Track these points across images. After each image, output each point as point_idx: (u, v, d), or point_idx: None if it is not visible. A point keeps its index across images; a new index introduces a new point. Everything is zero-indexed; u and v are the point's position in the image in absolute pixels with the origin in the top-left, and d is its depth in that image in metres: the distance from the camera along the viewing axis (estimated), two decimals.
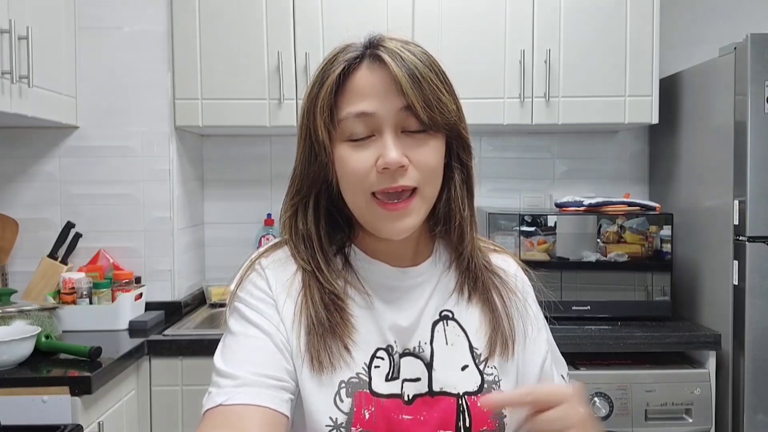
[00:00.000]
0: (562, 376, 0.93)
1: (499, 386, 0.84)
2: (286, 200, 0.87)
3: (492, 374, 0.84)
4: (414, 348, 0.84)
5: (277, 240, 0.90)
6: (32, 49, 1.82)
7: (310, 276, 0.83)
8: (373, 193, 0.79)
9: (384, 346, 0.83)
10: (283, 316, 0.82)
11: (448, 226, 0.86)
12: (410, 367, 0.83)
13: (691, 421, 1.96)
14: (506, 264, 0.94)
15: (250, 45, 2.25)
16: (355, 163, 0.79)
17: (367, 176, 0.78)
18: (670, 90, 2.40)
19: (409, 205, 0.79)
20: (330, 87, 0.79)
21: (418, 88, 0.77)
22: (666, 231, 2.17)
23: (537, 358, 0.88)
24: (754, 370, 1.95)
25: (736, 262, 2.00)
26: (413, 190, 0.79)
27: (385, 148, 0.77)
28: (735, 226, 2.00)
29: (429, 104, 0.77)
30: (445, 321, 0.86)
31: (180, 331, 2.07)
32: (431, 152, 0.80)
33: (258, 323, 0.80)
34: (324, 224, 0.85)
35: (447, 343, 0.85)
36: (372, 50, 0.80)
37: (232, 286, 0.86)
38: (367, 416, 0.79)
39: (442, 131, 0.81)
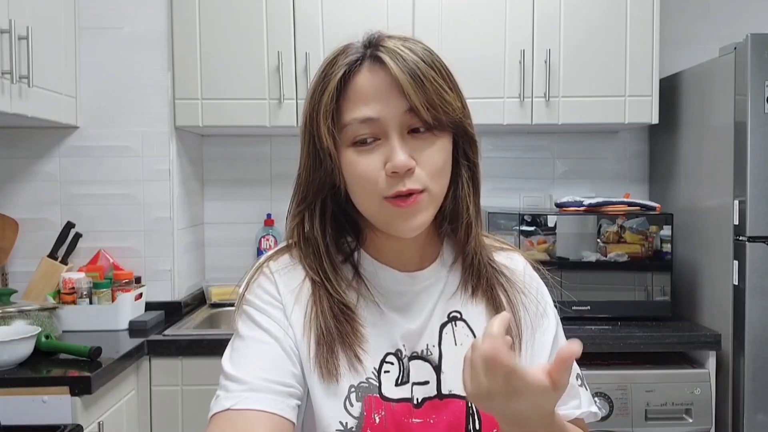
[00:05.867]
0: (578, 375, 0.91)
1: None
2: (291, 207, 0.86)
3: None
4: (422, 351, 0.83)
5: (284, 243, 0.89)
6: (32, 49, 1.82)
7: (318, 286, 0.83)
8: (385, 197, 0.78)
9: (393, 351, 0.82)
10: (291, 322, 0.81)
11: (455, 224, 0.85)
12: (419, 370, 0.82)
13: (691, 421, 1.96)
14: (512, 262, 0.93)
15: (250, 45, 2.25)
16: (363, 169, 0.78)
17: (377, 181, 0.77)
18: (670, 90, 2.40)
19: (419, 200, 0.78)
20: (332, 92, 0.78)
21: (421, 89, 0.76)
22: (666, 231, 2.17)
23: (544, 353, 0.87)
24: (754, 370, 1.95)
25: (736, 262, 2.00)
26: (421, 191, 0.78)
27: (393, 151, 0.76)
28: (735, 226, 2.00)
29: (432, 104, 0.76)
30: (453, 322, 0.85)
31: (180, 331, 2.07)
32: (438, 152, 0.79)
33: (266, 327, 0.80)
34: (331, 231, 0.85)
35: (456, 344, 0.84)
36: (372, 51, 0.79)
37: (240, 289, 0.86)
38: (377, 420, 0.78)
39: (447, 130, 0.80)
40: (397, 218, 0.79)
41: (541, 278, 0.94)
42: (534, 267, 0.95)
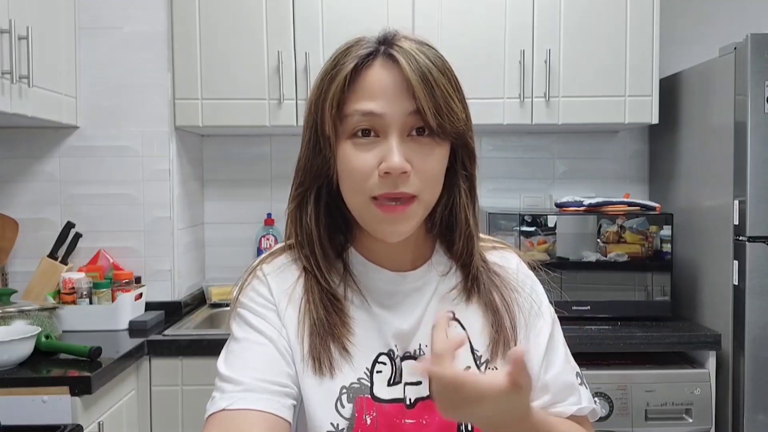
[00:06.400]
0: (577, 373, 0.90)
1: None
2: (291, 191, 0.86)
3: None
4: (414, 351, 0.83)
5: (279, 246, 0.90)
6: (32, 49, 1.82)
7: (310, 277, 0.83)
8: (373, 196, 0.78)
9: (386, 351, 0.83)
10: (285, 322, 0.82)
11: (453, 233, 0.86)
12: (411, 370, 0.82)
13: (691, 421, 1.96)
14: (505, 260, 0.93)
15: (250, 45, 2.25)
16: (357, 164, 0.77)
17: (368, 179, 0.77)
18: (670, 90, 2.40)
19: (407, 209, 0.78)
20: (340, 82, 0.78)
21: (430, 93, 0.76)
22: (666, 231, 2.17)
23: (539, 353, 0.87)
24: (754, 370, 1.95)
25: (736, 262, 2.00)
26: (413, 196, 0.78)
27: (390, 152, 0.76)
28: (735, 226, 2.00)
29: (439, 110, 0.76)
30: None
31: (180, 331, 2.07)
32: (435, 160, 0.79)
33: (261, 329, 0.81)
34: (324, 220, 0.85)
35: None
36: (386, 48, 0.79)
37: (234, 293, 0.86)
38: (368, 421, 0.78)
39: (448, 139, 0.80)
40: (382, 222, 0.79)
41: (537, 277, 0.94)
42: (530, 265, 0.95)
